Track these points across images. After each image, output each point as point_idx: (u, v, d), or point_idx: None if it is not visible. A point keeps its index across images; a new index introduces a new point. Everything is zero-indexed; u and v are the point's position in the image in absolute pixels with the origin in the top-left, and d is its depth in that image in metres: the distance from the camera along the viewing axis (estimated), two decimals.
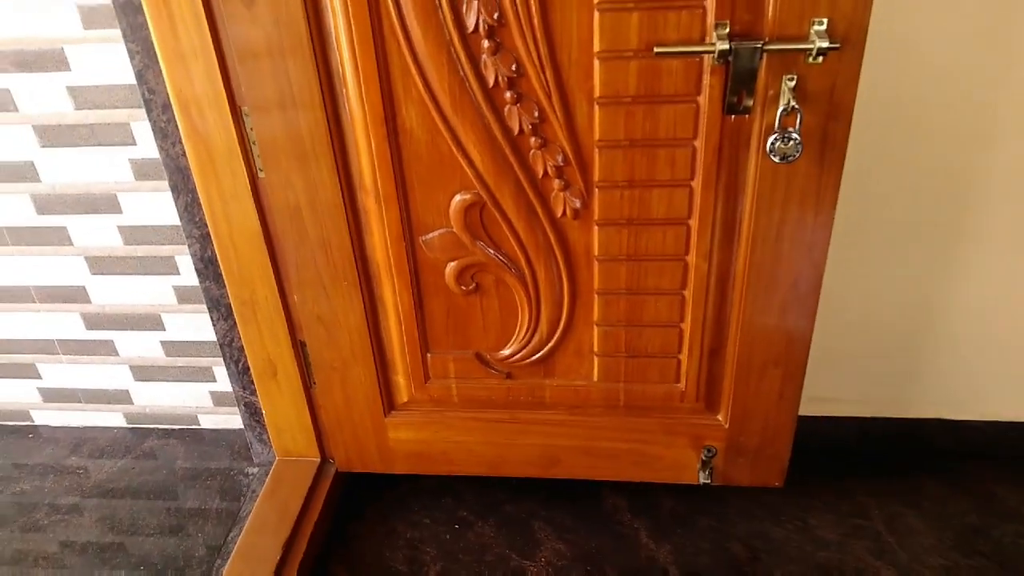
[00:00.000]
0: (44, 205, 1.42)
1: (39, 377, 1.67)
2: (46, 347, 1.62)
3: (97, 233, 1.44)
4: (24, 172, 1.38)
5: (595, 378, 1.27)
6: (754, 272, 1.11)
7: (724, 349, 1.21)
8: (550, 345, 1.25)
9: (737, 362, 1.20)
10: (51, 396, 1.70)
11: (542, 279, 1.19)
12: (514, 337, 1.25)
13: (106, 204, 1.40)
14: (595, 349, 1.24)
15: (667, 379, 1.26)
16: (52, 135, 1.34)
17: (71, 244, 1.46)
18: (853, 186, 1.25)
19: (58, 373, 1.65)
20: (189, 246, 1.32)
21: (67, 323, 1.57)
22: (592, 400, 1.30)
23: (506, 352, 1.27)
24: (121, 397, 1.67)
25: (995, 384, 1.43)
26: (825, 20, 0.91)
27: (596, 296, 1.19)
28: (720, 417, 1.28)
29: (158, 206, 1.39)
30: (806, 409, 1.47)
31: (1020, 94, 1.16)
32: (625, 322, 1.20)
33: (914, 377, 1.44)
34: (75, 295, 1.53)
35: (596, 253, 1.15)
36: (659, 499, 1.44)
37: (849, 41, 0.92)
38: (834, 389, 1.47)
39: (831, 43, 0.90)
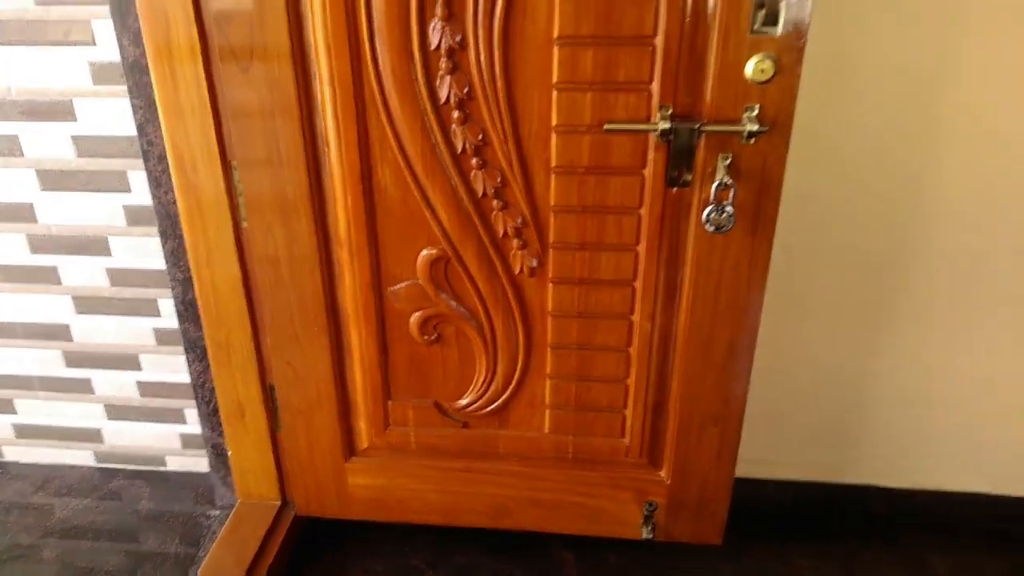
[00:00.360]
0: (38, 245, 1.50)
1: (14, 412, 1.71)
2: (25, 383, 1.67)
3: (86, 274, 1.51)
4: (23, 213, 1.47)
5: (546, 430, 1.34)
6: (693, 333, 1.20)
7: (666, 406, 1.29)
8: (505, 396, 1.32)
9: (678, 419, 1.27)
10: (24, 432, 1.73)
11: (499, 331, 1.27)
12: (471, 387, 1.32)
13: (97, 246, 1.48)
14: (547, 401, 1.31)
15: (613, 433, 1.32)
16: (53, 180, 1.43)
17: (60, 284, 1.53)
18: (789, 257, 1.35)
19: (34, 409, 1.70)
20: (172, 289, 1.40)
21: (48, 360, 1.63)
22: (543, 452, 1.36)
23: (463, 402, 1.34)
24: (92, 436, 1.71)
25: (927, 453, 1.50)
26: (756, 106, 1.03)
27: (549, 350, 1.27)
28: (663, 473, 1.34)
29: (146, 251, 1.47)
30: (748, 471, 1.53)
31: (940, 180, 1.29)
32: (575, 376, 1.28)
33: (851, 443, 1.51)
34: (59, 333, 1.59)
35: (550, 309, 1.23)
36: (605, 554, 1.47)
37: (777, 126, 1.03)
38: (775, 453, 1.53)
39: (761, 127, 1.02)
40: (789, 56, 0.98)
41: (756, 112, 1.02)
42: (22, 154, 1.42)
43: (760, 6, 0.96)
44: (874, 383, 1.46)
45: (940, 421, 1.48)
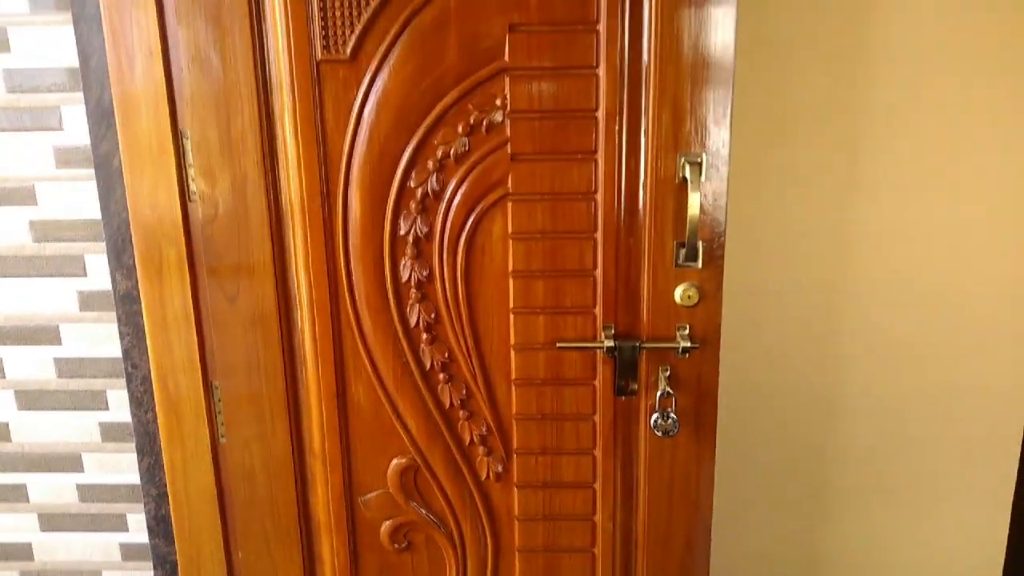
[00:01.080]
0: (8, 463, 1.52)
1: None
2: None
3: (55, 491, 1.53)
4: (1, 433, 1.51)
5: None
6: (652, 529, 1.27)
7: None
8: None
9: None
10: None
11: (468, 537, 1.32)
12: None
13: (70, 463, 1.51)
14: None
15: None
16: (31, 399, 1.49)
17: (27, 501, 1.54)
18: (733, 452, 1.47)
19: None
20: (145, 504, 1.43)
21: None
22: None
23: None
24: None
25: None
26: (687, 326, 1.17)
27: (517, 554, 1.32)
28: None
29: (118, 467, 1.51)
30: None
31: (853, 389, 1.45)
32: None
33: None
34: (20, 553, 1.57)
35: (516, 513, 1.30)
36: None
37: (707, 342, 1.18)
38: None
39: (692, 343, 1.16)
40: (710, 284, 1.15)
41: (687, 331, 1.17)
42: (3, 376, 1.48)
43: (682, 245, 1.13)
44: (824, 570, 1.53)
45: None
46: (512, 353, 1.23)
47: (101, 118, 1.26)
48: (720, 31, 1.07)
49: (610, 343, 1.17)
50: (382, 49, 1.10)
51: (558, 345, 1.20)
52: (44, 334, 1.45)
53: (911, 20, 1.34)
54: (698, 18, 1.07)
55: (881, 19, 1.34)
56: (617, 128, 1.13)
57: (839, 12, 1.34)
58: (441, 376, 1.25)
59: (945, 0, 1.33)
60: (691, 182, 1.10)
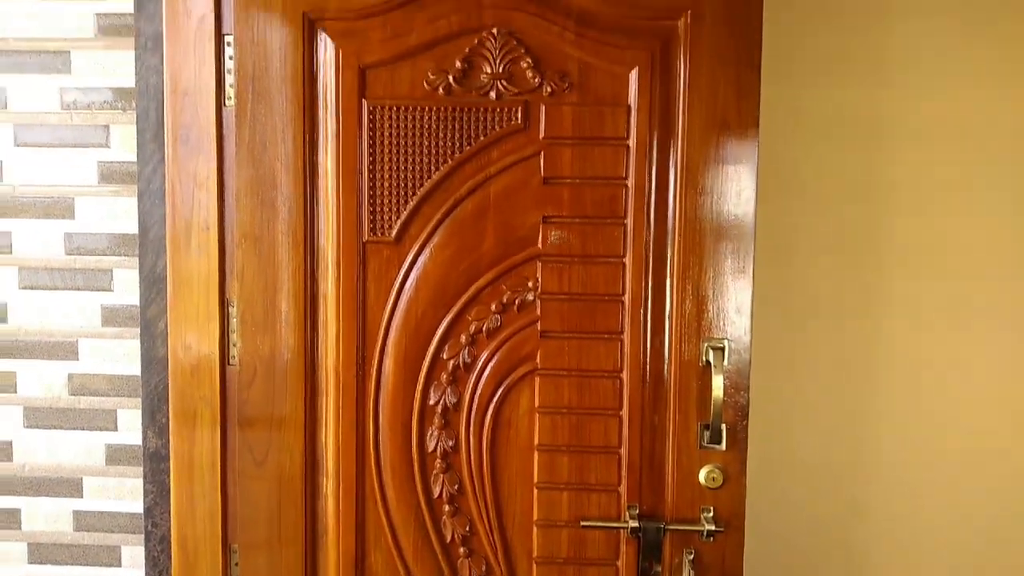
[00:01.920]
0: None
1: None
2: None
3: None
4: None
5: None
6: None
7: None
8: None
9: None
10: None
11: None
12: None
13: None
14: None
15: None
16: (45, 553, 1.47)
17: None
18: None
19: None
20: None
21: None
22: None
23: None
24: None
25: None
26: (711, 508, 1.18)
27: None
28: None
29: None
30: None
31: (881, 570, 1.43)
32: None
33: None
34: None
35: None
36: None
37: (731, 525, 1.17)
38: None
39: (717, 527, 1.16)
40: (734, 466, 1.16)
41: (712, 513, 1.17)
42: (19, 527, 1.48)
43: (706, 427, 1.15)
44: None
45: None
46: (535, 529, 1.22)
47: (152, 284, 1.34)
48: (740, 226, 1.15)
49: (635, 524, 1.17)
50: (424, 233, 1.18)
51: (582, 524, 1.20)
52: (65, 486, 1.46)
53: (921, 212, 1.43)
54: (719, 215, 1.16)
55: (891, 211, 1.44)
56: (642, 311, 1.18)
57: (850, 205, 1.44)
58: (461, 550, 1.24)
59: (953, 191, 1.43)
60: (714, 366, 1.14)
